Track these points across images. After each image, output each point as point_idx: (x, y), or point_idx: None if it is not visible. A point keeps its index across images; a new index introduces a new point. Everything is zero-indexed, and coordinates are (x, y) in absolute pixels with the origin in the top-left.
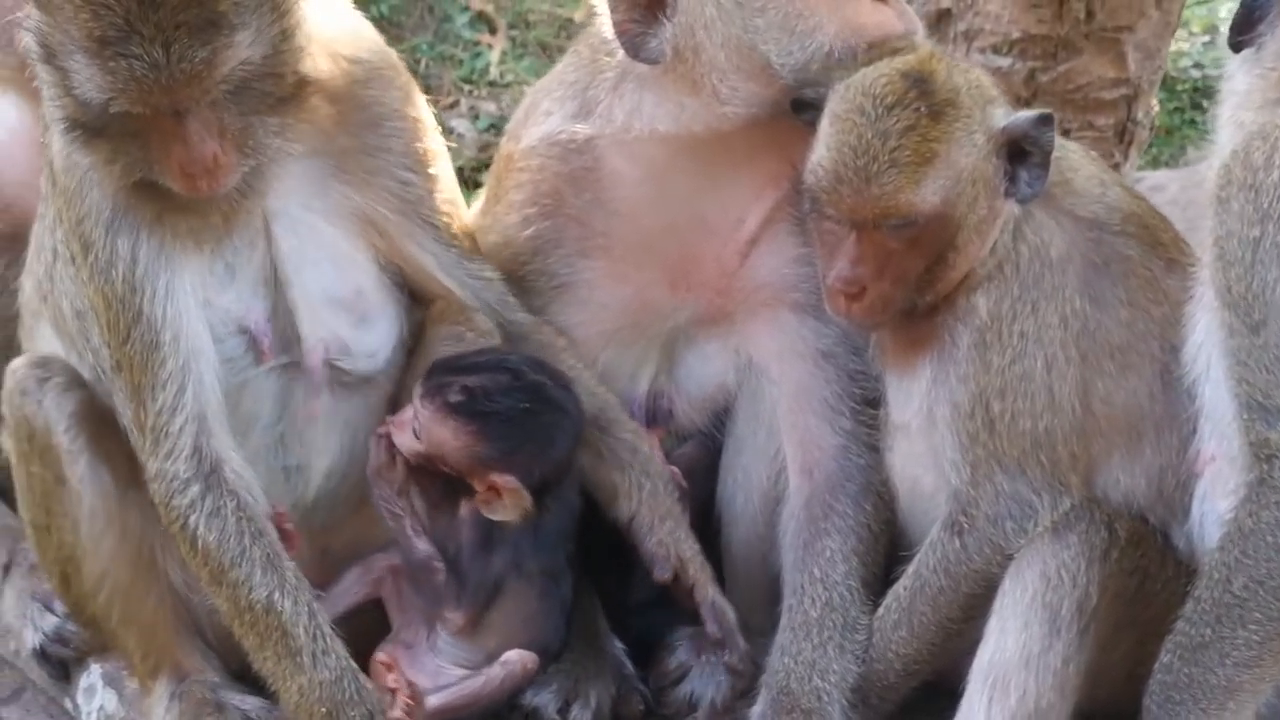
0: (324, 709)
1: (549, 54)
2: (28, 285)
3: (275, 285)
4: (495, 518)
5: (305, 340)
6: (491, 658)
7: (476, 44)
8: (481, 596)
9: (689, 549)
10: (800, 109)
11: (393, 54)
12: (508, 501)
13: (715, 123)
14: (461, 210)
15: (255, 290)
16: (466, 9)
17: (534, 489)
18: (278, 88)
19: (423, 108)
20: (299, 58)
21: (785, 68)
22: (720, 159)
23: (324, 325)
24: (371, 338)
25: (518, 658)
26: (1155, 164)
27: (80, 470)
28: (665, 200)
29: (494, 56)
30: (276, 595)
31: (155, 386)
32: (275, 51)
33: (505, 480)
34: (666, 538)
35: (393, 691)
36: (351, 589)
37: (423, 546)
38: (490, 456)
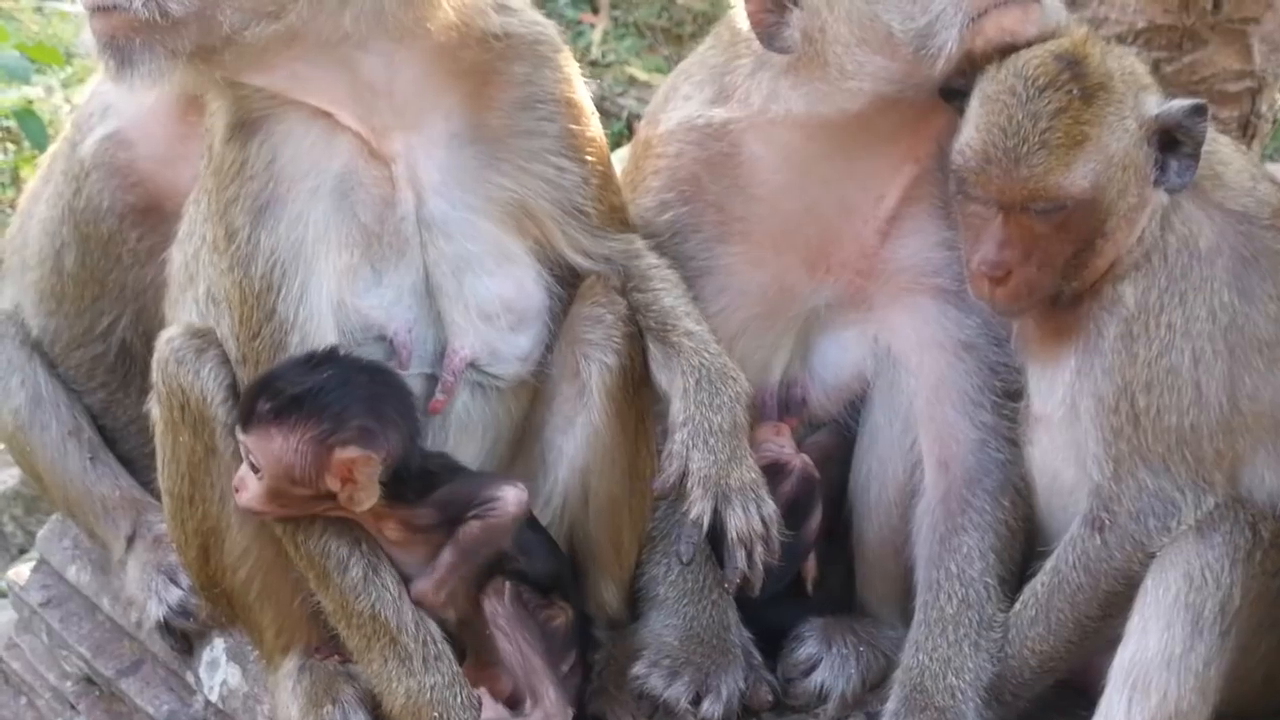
0: (435, 713)
1: (651, 35)
2: (177, 258)
3: (427, 294)
4: (361, 508)
5: (451, 352)
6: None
7: (578, 23)
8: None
9: (700, 461)
10: (950, 97)
11: (550, 28)
12: (361, 478)
13: (844, 101)
14: (615, 187)
15: (400, 298)
16: None
17: (388, 463)
18: None
19: (580, 88)
20: None
21: (909, 35)
22: (858, 139)
23: (477, 335)
24: (525, 340)
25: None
26: (1261, 159)
27: (234, 444)
28: (804, 183)
29: (595, 36)
30: (378, 605)
31: None
32: None
33: (349, 453)
34: (679, 447)
35: None
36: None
37: None
38: (325, 432)
